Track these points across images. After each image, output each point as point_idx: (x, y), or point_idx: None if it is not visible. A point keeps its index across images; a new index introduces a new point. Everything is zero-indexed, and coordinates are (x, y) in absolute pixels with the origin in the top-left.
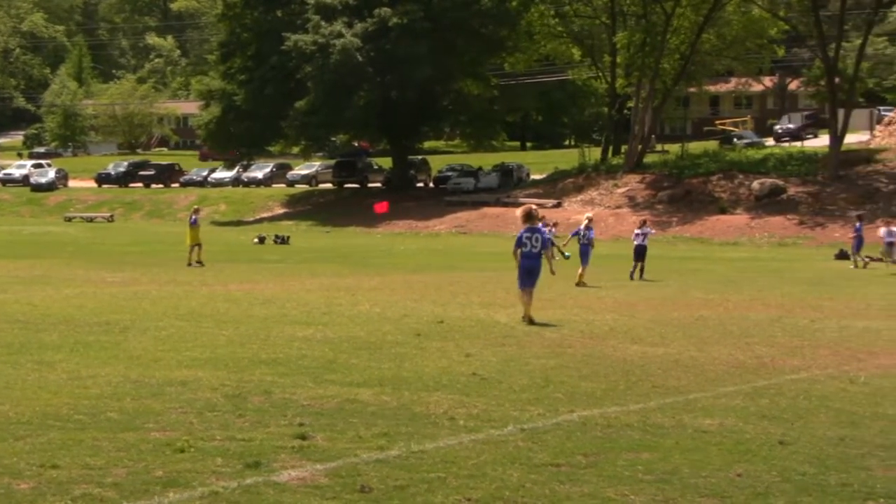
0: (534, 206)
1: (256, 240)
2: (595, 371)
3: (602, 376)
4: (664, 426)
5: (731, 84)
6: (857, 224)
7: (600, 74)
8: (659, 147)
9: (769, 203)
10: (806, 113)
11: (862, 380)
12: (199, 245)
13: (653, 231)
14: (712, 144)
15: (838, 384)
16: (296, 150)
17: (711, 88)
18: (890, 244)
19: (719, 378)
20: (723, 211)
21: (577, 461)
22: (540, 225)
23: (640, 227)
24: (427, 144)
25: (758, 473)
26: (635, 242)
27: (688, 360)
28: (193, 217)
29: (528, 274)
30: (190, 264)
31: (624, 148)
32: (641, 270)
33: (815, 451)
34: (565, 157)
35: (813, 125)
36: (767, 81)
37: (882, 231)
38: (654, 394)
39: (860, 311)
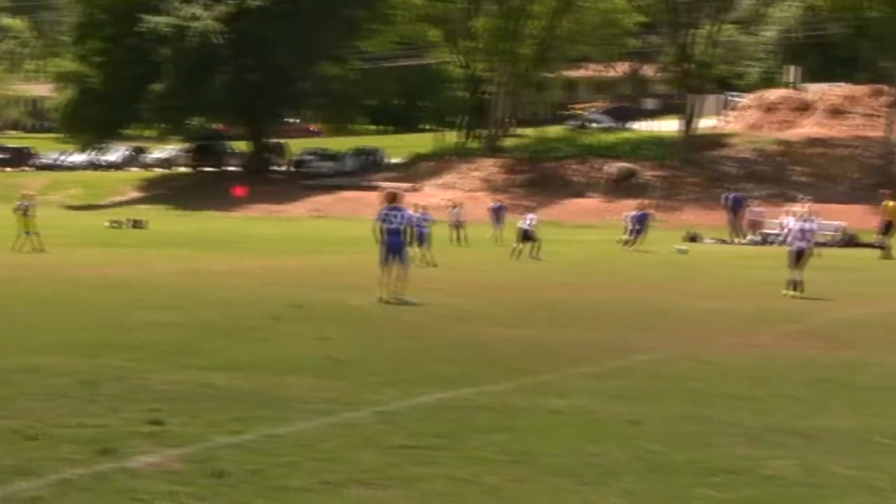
0: (398, 192)
1: (111, 224)
2: (451, 353)
3: (457, 359)
4: (518, 407)
5: (588, 70)
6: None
7: (459, 59)
8: (517, 131)
9: (623, 187)
10: (614, 105)
11: (710, 359)
12: (34, 233)
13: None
14: (561, 129)
15: (687, 364)
16: (153, 133)
17: (568, 74)
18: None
19: (573, 359)
20: (577, 195)
21: (431, 443)
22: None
23: (526, 215)
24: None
25: (609, 452)
26: (522, 227)
27: (542, 342)
28: (24, 204)
29: (390, 250)
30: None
31: (482, 132)
32: (536, 249)
33: (665, 429)
34: (423, 141)
35: (624, 115)
36: (622, 68)
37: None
38: (509, 375)
39: (707, 293)
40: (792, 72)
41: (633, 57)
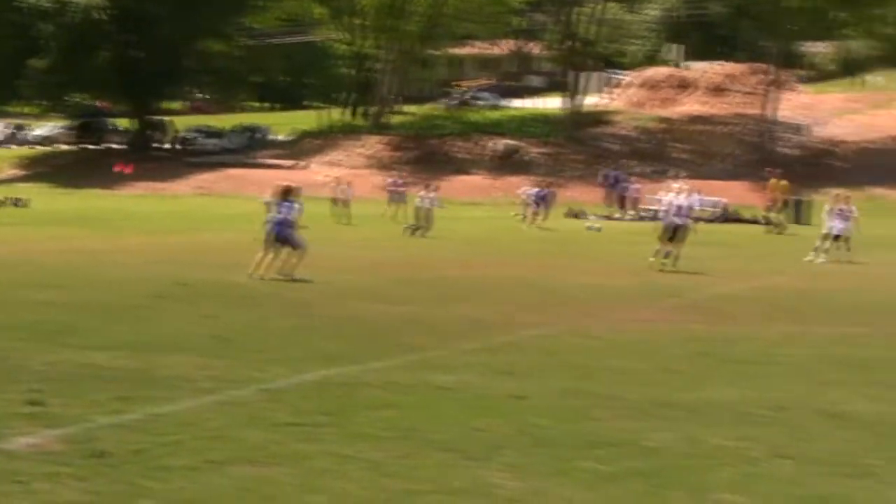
0: (294, 186)
1: None
2: (337, 331)
3: (343, 336)
4: (405, 383)
5: (473, 48)
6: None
7: (345, 36)
8: (403, 109)
9: (508, 164)
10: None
11: (594, 333)
12: None
13: (434, 195)
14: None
15: (572, 339)
16: (33, 110)
17: (454, 51)
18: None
19: (460, 335)
20: (463, 171)
21: (317, 420)
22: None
23: (426, 190)
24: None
25: (495, 427)
26: (422, 205)
27: (430, 319)
28: None
29: (278, 239)
30: None
31: (368, 109)
32: (425, 229)
33: (550, 403)
34: (309, 119)
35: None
36: (508, 45)
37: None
38: (396, 352)
39: (594, 270)
40: (674, 50)
41: (518, 35)
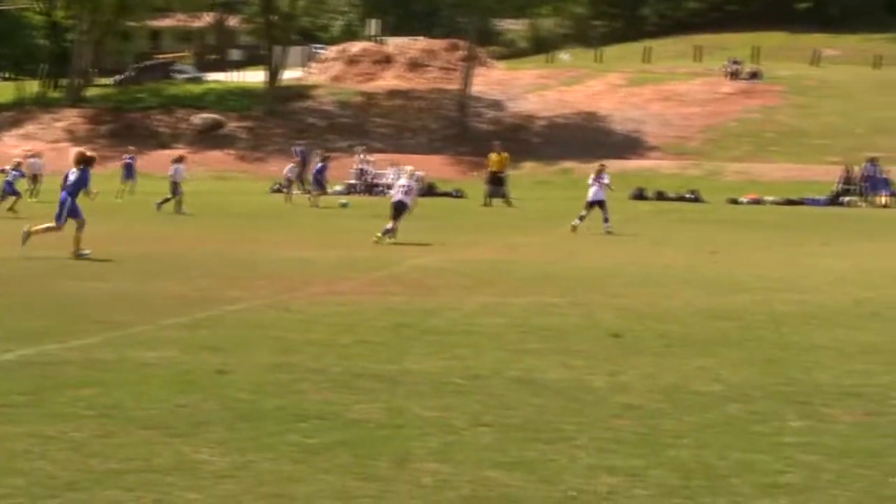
0: (88, 153)
1: None
2: (37, 309)
3: (42, 314)
4: (106, 361)
5: (173, 20)
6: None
7: (39, 5)
8: (102, 81)
9: (209, 137)
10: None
11: (296, 307)
12: None
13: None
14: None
15: (275, 313)
16: None
17: (153, 23)
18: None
19: (161, 311)
20: (164, 146)
21: (16, 401)
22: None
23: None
24: None
25: (198, 403)
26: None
27: (130, 295)
28: None
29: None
30: None
31: (65, 82)
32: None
33: (253, 378)
34: (4, 90)
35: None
36: (208, 18)
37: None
38: (96, 329)
39: (295, 243)
40: (373, 25)
41: (218, 7)
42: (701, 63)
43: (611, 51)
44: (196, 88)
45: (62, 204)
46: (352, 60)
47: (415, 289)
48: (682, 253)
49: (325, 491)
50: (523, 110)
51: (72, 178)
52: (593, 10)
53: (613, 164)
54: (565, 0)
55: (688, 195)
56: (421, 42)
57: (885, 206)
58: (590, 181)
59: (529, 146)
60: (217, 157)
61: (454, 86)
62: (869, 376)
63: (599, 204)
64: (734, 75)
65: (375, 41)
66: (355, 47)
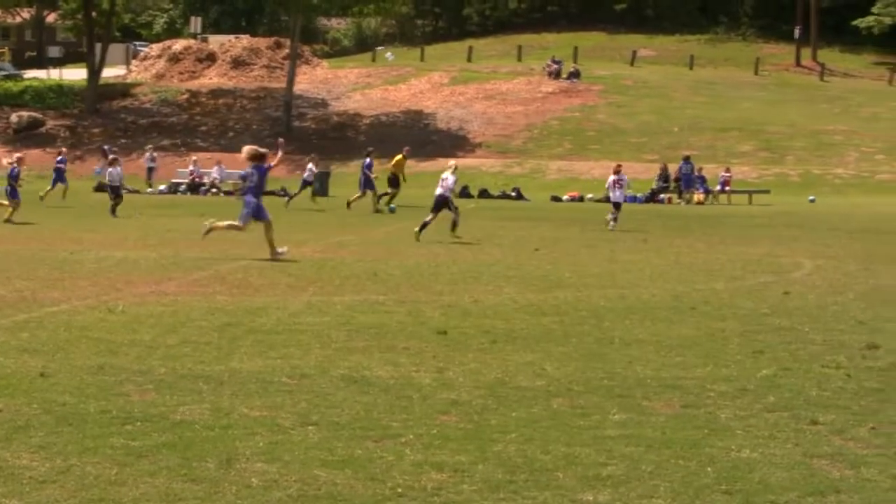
0: (261, 149)
1: None
2: None
3: None
4: None
5: None
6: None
7: None
8: None
9: (28, 136)
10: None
11: (120, 308)
12: None
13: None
14: None
15: (97, 314)
16: None
17: None
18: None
19: None
20: None
21: None
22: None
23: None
24: None
25: (18, 407)
26: None
27: None
28: None
29: None
30: None
31: None
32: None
33: (76, 381)
34: None
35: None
36: (25, 13)
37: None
38: None
39: (118, 243)
40: (196, 22)
41: (36, 3)
42: (522, 62)
43: (434, 50)
44: (14, 86)
45: (248, 205)
46: (175, 58)
47: (240, 288)
48: (505, 250)
49: (151, 494)
50: (348, 109)
51: (254, 179)
52: (416, 10)
53: (438, 163)
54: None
55: (511, 193)
56: (244, 40)
57: (700, 203)
58: (608, 183)
59: (355, 145)
60: (36, 155)
61: (278, 84)
62: (686, 369)
63: (616, 206)
64: (555, 75)
65: (198, 39)
66: (178, 45)
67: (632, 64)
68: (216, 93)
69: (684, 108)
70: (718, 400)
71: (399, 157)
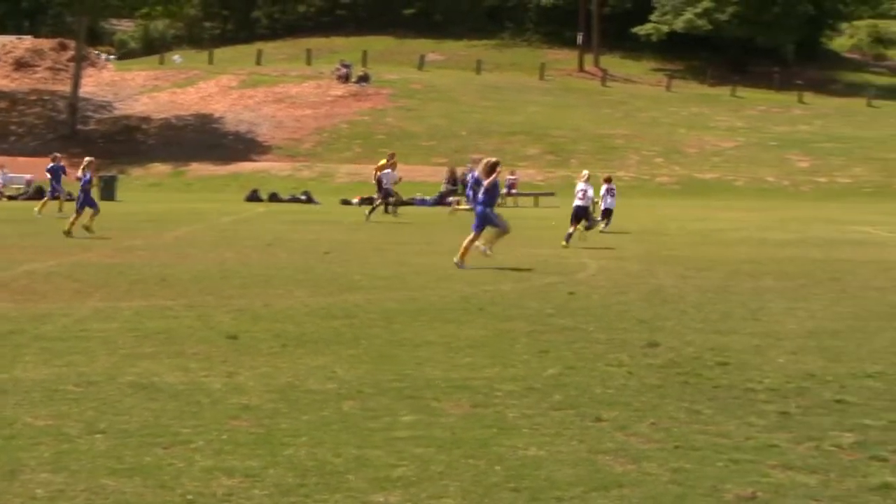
0: (493, 159)
1: None
2: None
3: None
4: None
5: None
6: None
7: None
8: None
9: None
10: None
11: None
12: None
13: None
14: None
15: None
16: None
17: None
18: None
19: None
20: None
21: None
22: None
23: None
24: None
25: None
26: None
27: None
28: None
29: None
30: None
31: None
32: None
33: None
34: None
35: None
36: None
37: None
38: None
39: None
40: None
41: None
42: (312, 66)
43: (223, 53)
44: None
45: (479, 216)
46: None
47: (24, 294)
48: (296, 254)
49: None
50: (136, 112)
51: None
52: (205, 12)
53: (227, 168)
54: (175, 2)
55: (301, 196)
56: (27, 41)
57: None
58: (602, 192)
59: (142, 148)
60: None
61: (63, 87)
62: (475, 369)
63: (608, 212)
64: (344, 79)
65: None
66: None
67: (420, 68)
68: None
69: (472, 111)
70: (506, 399)
71: (383, 161)
